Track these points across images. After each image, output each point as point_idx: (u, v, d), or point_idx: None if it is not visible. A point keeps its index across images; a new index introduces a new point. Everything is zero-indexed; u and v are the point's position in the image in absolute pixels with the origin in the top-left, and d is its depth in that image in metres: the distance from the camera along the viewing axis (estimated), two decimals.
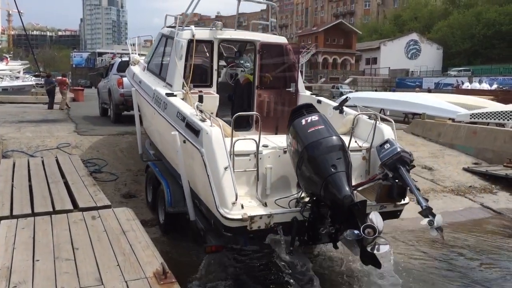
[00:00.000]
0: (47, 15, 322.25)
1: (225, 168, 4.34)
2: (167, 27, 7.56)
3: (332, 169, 3.99)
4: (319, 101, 6.40)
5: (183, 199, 5.25)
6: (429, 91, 31.37)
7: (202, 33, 6.58)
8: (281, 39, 7.17)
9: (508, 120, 11.84)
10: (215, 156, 4.41)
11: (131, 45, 9.79)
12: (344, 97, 5.82)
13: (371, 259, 4.12)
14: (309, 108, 4.61)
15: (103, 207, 5.31)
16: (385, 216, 4.72)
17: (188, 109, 5.27)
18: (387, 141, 4.74)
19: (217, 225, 4.51)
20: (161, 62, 7.20)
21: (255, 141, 4.62)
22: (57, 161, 7.53)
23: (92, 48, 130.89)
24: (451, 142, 11.58)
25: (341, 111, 5.66)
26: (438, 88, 46.96)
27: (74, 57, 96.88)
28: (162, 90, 6.28)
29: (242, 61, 7.52)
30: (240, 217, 4.19)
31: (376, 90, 41.81)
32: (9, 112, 14.98)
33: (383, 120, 5.40)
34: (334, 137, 4.21)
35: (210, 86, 6.52)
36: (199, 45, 6.67)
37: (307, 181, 4.25)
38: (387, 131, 5.11)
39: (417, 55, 69.09)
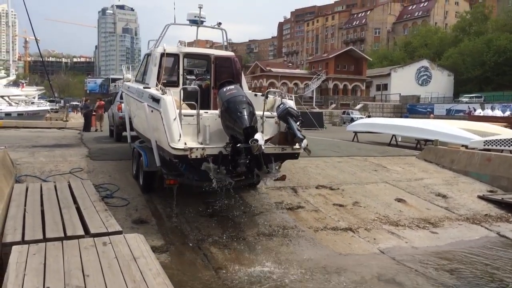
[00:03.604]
0: (63, 42, 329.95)
1: (174, 119, 6.50)
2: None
3: (239, 114, 6.09)
4: (255, 94, 8.52)
5: (154, 163, 7.37)
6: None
7: (171, 49, 8.85)
8: (230, 53, 9.46)
9: None
10: (167, 111, 6.56)
11: (126, 69, 12.49)
12: (267, 91, 7.83)
13: (257, 162, 6.42)
14: (230, 82, 7.00)
15: (114, 233, 5.28)
16: (287, 156, 7.20)
17: (155, 92, 7.38)
18: (281, 103, 7.00)
19: (170, 158, 6.57)
20: (144, 73, 9.49)
21: (196, 105, 6.62)
22: (69, 186, 7.56)
23: (106, 74, 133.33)
24: (465, 169, 11.41)
25: (267, 97, 7.51)
26: (450, 115, 46.77)
27: (88, 83, 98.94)
28: (142, 87, 8.45)
29: (208, 76, 9.37)
30: (182, 147, 6.28)
31: (369, 116, 41.53)
32: (23, 137, 15.18)
33: None
34: (242, 96, 6.39)
35: (177, 86, 8.51)
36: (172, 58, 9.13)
37: (226, 126, 6.35)
38: (290, 102, 7.14)
39: (428, 82, 69.18)
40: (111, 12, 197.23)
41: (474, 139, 13.49)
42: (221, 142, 6.56)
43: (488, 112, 26.21)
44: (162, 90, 7.07)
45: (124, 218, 7.11)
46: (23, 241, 4.85)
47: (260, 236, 6.97)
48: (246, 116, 6.06)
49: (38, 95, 43.88)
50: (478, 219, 8.58)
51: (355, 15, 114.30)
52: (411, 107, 55.83)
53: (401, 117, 46.43)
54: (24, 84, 43.61)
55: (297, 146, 6.83)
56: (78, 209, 6.22)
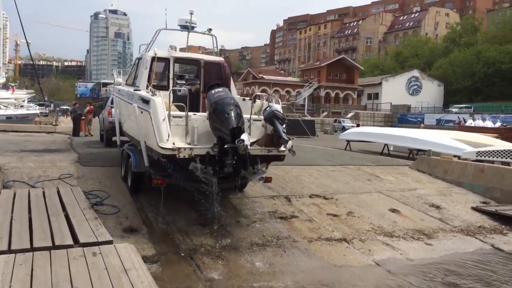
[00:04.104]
0: (54, 46, 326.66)
1: (163, 120, 6.62)
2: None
3: (226, 115, 6.24)
4: (244, 99, 8.59)
5: (143, 164, 7.49)
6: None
7: (162, 53, 8.95)
8: (219, 59, 9.57)
9: None
10: (157, 112, 6.69)
11: (117, 73, 12.73)
12: (254, 95, 8.02)
13: (243, 162, 6.50)
14: (218, 85, 7.14)
15: (104, 242, 5.12)
16: (273, 158, 7.26)
17: (145, 93, 7.53)
18: (268, 106, 7.20)
19: (158, 157, 6.64)
20: (134, 76, 9.56)
21: (185, 107, 6.78)
22: (58, 192, 7.37)
23: (97, 79, 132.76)
24: (458, 180, 11.40)
25: (254, 101, 7.80)
26: (440, 124, 47.19)
27: (79, 87, 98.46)
28: (132, 89, 8.62)
29: (198, 81, 9.50)
30: (171, 147, 6.40)
31: (358, 125, 41.63)
32: (11, 141, 14.90)
33: None
34: (230, 99, 6.58)
35: (167, 89, 8.53)
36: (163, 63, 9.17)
37: (214, 127, 6.49)
38: (277, 106, 7.29)
39: (418, 91, 69.77)
40: (104, 16, 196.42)
41: (466, 150, 13.51)
42: (209, 143, 6.70)
43: (479, 122, 26.42)
44: (152, 92, 7.18)
45: (114, 226, 6.93)
46: (9, 250, 4.68)
47: (254, 246, 6.83)
48: (233, 117, 6.22)
49: (28, 98, 43.30)
50: (472, 230, 8.54)
51: (347, 24, 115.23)
52: (401, 117, 56.27)
53: (391, 126, 46.73)
54: (15, 88, 43.03)
55: (282, 148, 7.01)
56: (67, 217, 6.04)
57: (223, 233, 7.10)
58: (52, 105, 56.22)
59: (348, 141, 21.07)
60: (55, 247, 4.86)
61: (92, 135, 19.55)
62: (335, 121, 50.61)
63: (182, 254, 6.33)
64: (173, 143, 6.50)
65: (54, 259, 4.46)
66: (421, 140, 16.32)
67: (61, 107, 52.72)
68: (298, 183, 10.34)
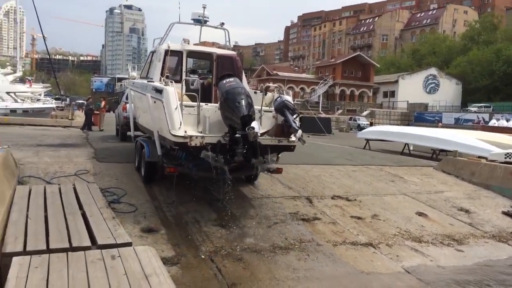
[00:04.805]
0: (71, 41, 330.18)
1: (175, 108, 6.80)
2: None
3: (237, 104, 6.34)
4: (255, 92, 8.53)
5: (156, 154, 7.63)
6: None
7: (175, 46, 9.05)
8: (231, 52, 9.70)
9: None
10: (169, 101, 6.88)
11: (132, 68, 14.33)
12: (265, 86, 8.28)
13: (254, 151, 6.61)
14: (229, 75, 7.17)
15: (123, 244, 4.87)
16: (283, 148, 7.43)
17: (158, 84, 7.76)
18: (279, 96, 7.33)
19: (171, 145, 6.83)
20: (148, 69, 9.72)
21: (197, 96, 6.93)
22: (74, 189, 7.17)
23: (112, 74, 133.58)
24: (486, 183, 10.92)
25: (266, 94, 8.15)
26: (459, 124, 46.28)
27: (95, 81, 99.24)
28: (146, 81, 8.84)
29: (211, 76, 9.54)
30: (182, 134, 6.60)
31: (371, 124, 40.78)
32: (28, 135, 14.83)
33: None
34: (241, 88, 6.65)
35: (180, 82, 8.32)
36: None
37: (225, 116, 6.61)
38: (287, 97, 7.33)
39: (436, 90, 68.64)
40: (119, 11, 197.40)
41: (494, 151, 12.98)
42: (220, 133, 6.83)
43: (503, 122, 25.68)
44: (165, 82, 7.37)
45: (132, 225, 6.69)
46: (24, 252, 4.46)
47: (276, 249, 6.53)
48: (244, 106, 6.33)
49: (44, 92, 43.49)
50: (504, 236, 8.10)
51: (363, 21, 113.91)
52: (418, 115, 55.35)
53: (408, 125, 45.97)
54: (32, 81, 43.27)
55: (292, 138, 7.17)
56: (84, 216, 5.82)
57: (244, 234, 6.83)
58: (68, 99, 56.54)
59: (368, 140, 20.58)
60: (72, 248, 4.63)
61: (103, 129, 19.67)
62: (350, 119, 49.99)
63: (203, 257, 6.06)
64: (185, 131, 6.66)
65: (71, 262, 4.22)
66: (444, 140, 15.80)
67: (76, 101, 52.96)
68: (319, 183, 10.01)
